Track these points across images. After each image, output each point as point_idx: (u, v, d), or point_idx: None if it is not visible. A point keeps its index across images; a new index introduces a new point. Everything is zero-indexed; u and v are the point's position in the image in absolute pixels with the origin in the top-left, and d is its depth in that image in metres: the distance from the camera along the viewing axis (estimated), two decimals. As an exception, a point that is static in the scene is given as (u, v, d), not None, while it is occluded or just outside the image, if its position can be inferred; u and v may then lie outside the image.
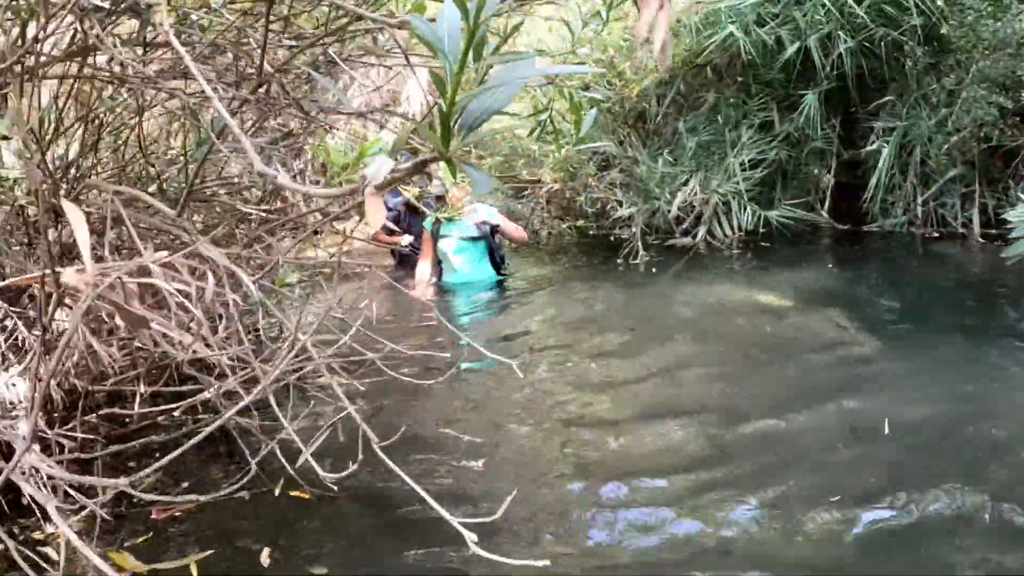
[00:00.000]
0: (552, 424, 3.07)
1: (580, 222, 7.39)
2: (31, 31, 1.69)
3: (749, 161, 6.48)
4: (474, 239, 5.37)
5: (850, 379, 3.33)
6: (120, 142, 2.86)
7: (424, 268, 5.50)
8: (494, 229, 5.43)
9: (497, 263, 5.51)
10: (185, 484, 2.55)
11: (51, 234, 2.21)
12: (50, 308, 1.46)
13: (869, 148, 6.26)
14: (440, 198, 5.51)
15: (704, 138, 6.78)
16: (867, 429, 2.79)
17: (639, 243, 6.22)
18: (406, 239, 6.48)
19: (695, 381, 3.47)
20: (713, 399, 3.24)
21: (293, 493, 2.38)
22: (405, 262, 6.32)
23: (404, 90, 6.30)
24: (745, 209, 6.39)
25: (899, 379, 3.29)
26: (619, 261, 6.13)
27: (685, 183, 6.65)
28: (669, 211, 6.36)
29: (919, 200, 6.14)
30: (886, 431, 2.74)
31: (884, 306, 4.52)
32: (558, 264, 6.56)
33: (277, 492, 2.33)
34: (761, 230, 6.34)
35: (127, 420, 2.64)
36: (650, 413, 3.12)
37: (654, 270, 5.85)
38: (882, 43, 5.97)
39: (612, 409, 3.21)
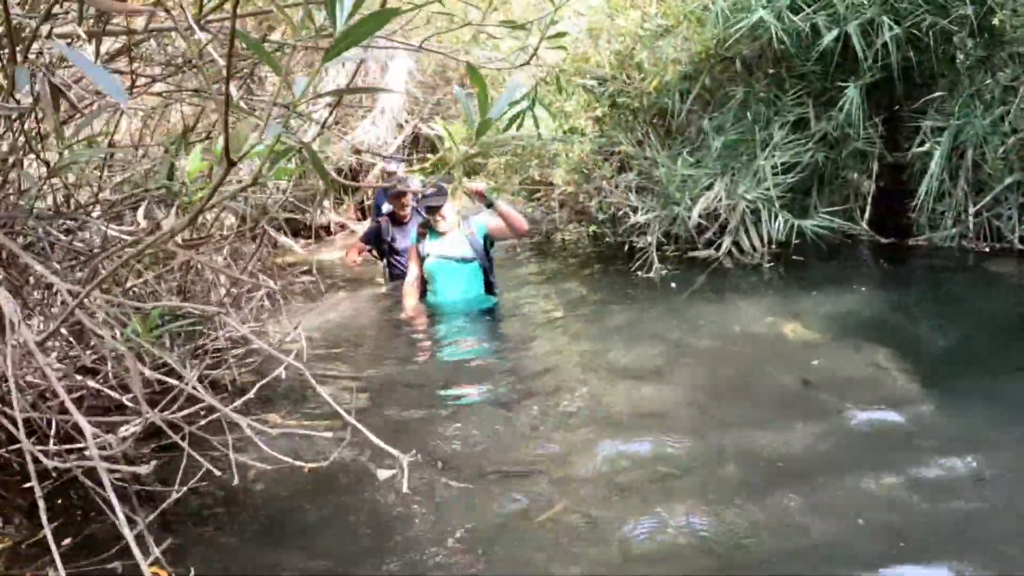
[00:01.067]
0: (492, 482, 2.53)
1: (594, 228, 6.82)
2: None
3: (781, 164, 5.84)
4: (466, 260, 4.77)
5: (894, 442, 2.74)
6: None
7: (408, 289, 4.91)
8: (489, 245, 4.85)
9: (491, 284, 4.92)
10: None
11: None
12: None
13: (917, 150, 5.58)
14: (432, 209, 4.92)
15: (731, 137, 6.15)
16: (912, 522, 2.21)
17: (654, 254, 5.63)
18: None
19: (693, 438, 2.89)
20: (720, 464, 2.67)
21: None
22: (398, 278, 5.79)
23: (382, 80, 5.77)
24: (776, 218, 5.76)
25: (953, 442, 2.68)
26: (633, 274, 5.55)
27: (709, 187, 6.04)
28: (689, 218, 5.74)
29: (971, 210, 5.46)
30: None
31: (932, 341, 3.90)
32: (564, 275, 6.00)
33: None
34: (794, 241, 5.69)
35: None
36: (637, 486, 2.57)
37: (672, 285, 5.25)
38: (930, 32, 5.29)
39: (591, 478, 2.66)
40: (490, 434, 3.09)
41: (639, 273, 5.53)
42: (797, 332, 4.03)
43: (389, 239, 6.12)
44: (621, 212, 6.19)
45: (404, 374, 4.03)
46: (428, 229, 4.82)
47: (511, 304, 5.10)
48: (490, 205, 4.57)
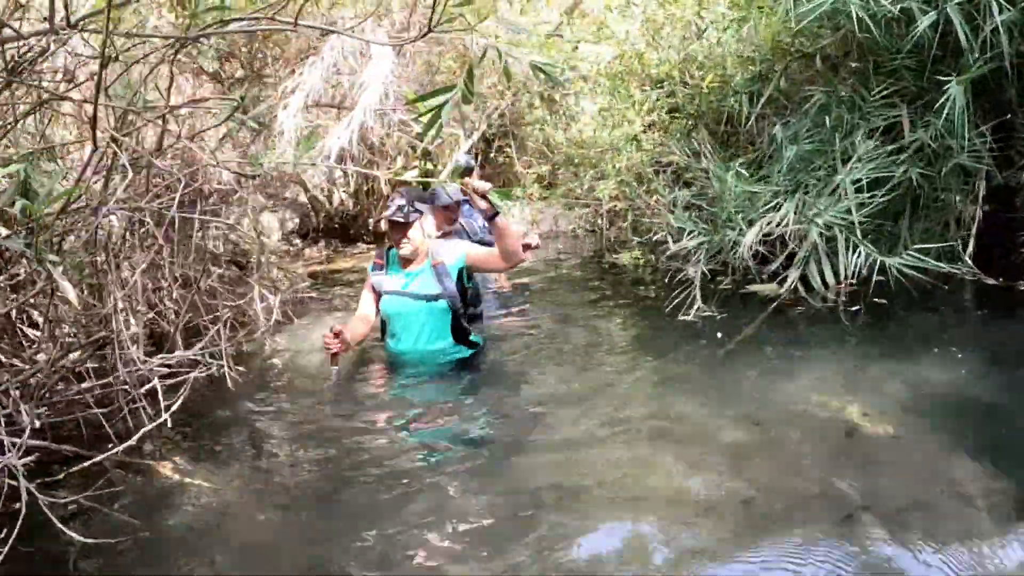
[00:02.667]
0: None
1: (636, 254, 5.86)
2: None
3: (865, 181, 4.74)
4: (432, 297, 3.79)
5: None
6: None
7: (353, 323, 3.89)
8: (467, 280, 3.92)
9: (464, 330, 3.91)
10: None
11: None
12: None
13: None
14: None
15: (805, 148, 5.08)
16: None
17: (698, 291, 4.64)
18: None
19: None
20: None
21: None
22: None
23: (360, 76, 5.04)
24: (856, 250, 4.65)
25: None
26: (669, 316, 4.59)
27: (776, 208, 4.99)
28: (741, 244, 4.70)
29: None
30: None
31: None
32: (577, 312, 5.04)
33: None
34: (876, 278, 4.56)
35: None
36: None
37: (718, 334, 4.21)
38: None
39: None
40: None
41: (679, 315, 4.56)
42: (858, 418, 3.01)
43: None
44: (661, 235, 5.22)
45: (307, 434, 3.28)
46: (387, 256, 3.94)
47: (495, 353, 4.18)
48: (494, 217, 3.50)
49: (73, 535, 2.05)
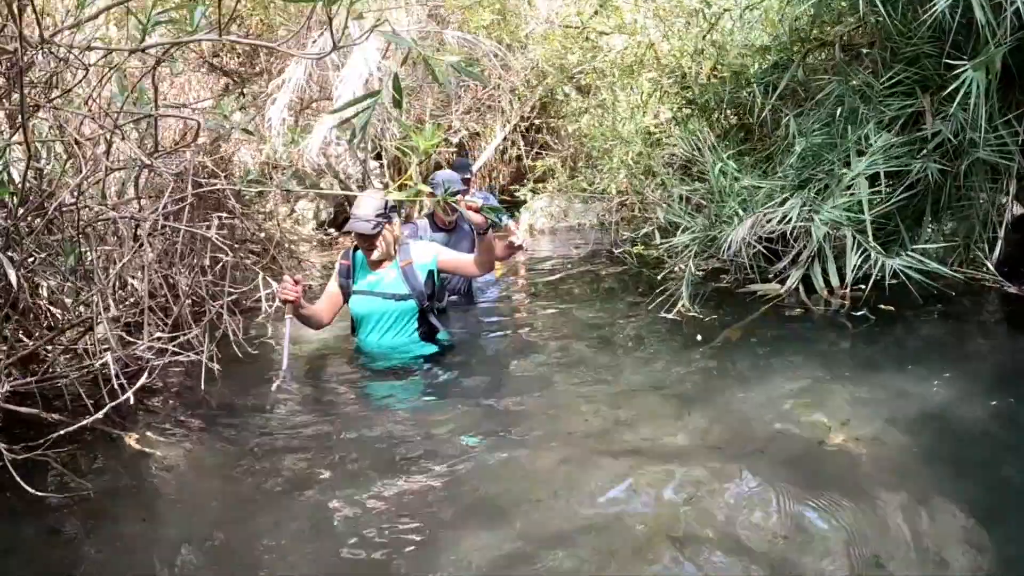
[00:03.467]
0: None
1: (640, 247, 5.55)
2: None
3: (878, 176, 4.34)
4: (401, 297, 3.69)
5: None
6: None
7: (317, 309, 3.76)
8: (436, 282, 3.86)
9: (431, 329, 3.82)
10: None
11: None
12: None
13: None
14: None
15: (816, 140, 4.70)
16: None
17: (685, 288, 4.32)
18: None
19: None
20: None
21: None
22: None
23: (339, 75, 4.92)
24: (864, 250, 4.24)
25: None
26: (652, 311, 4.29)
27: (783, 203, 4.62)
28: (731, 241, 4.34)
29: None
30: None
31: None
32: (554, 310, 4.79)
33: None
34: (890, 281, 4.14)
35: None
36: None
37: (697, 336, 3.88)
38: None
39: None
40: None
41: (660, 313, 4.26)
42: (859, 440, 2.65)
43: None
44: (648, 229, 4.92)
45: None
46: (353, 258, 3.79)
47: (465, 347, 3.99)
48: (487, 231, 3.52)
49: (26, 487, 2.20)
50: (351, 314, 3.82)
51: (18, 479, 2.20)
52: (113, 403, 2.51)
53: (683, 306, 4.20)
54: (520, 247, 4.21)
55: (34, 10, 2.33)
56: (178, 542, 2.24)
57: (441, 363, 3.74)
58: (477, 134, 10.07)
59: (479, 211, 3.43)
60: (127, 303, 3.56)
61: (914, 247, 4.10)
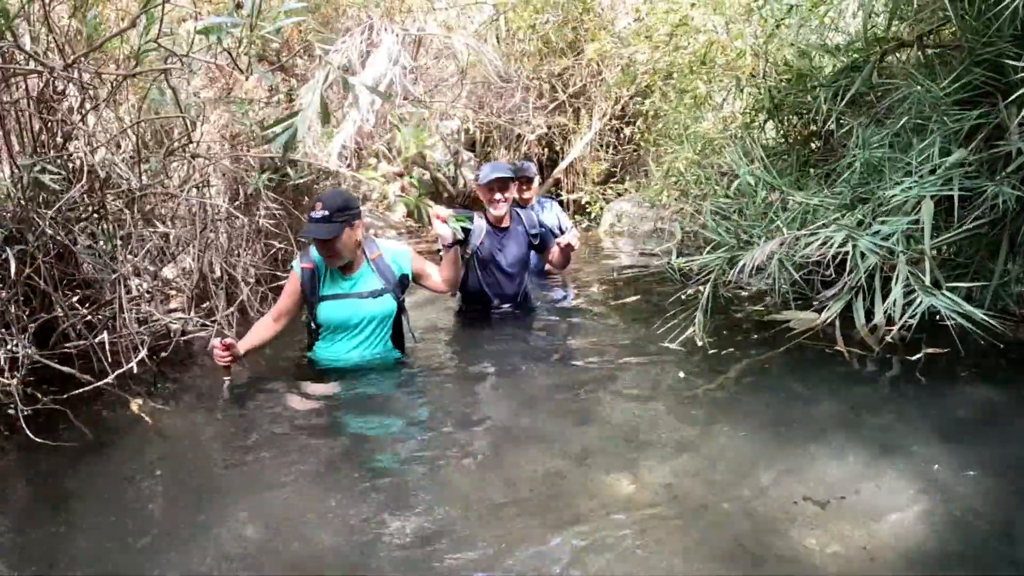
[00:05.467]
0: None
1: (680, 260, 5.08)
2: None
3: (943, 199, 3.73)
4: (377, 292, 3.46)
5: None
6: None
7: (258, 330, 3.54)
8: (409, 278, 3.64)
9: (401, 332, 3.64)
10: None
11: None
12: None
13: None
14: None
15: (875, 153, 4.11)
16: None
17: (700, 314, 3.88)
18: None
19: None
20: None
21: None
22: (473, 301, 4.55)
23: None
24: (898, 280, 3.65)
25: None
26: (656, 338, 3.89)
27: (832, 223, 4.06)
28: (752, 265, 3.83)
29: None
30: None
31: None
32: (569, 317, 4.48)
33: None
34: (942, 322, 3.54)
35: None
36: None
37: (680, 375, 3.46)
38: None
39: None
40: None
41: (665, 342, 3.86)
42: (780, 506, 2.26)
43: (475, 244, 4.37)
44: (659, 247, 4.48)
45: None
46: (317, 261, 3.50)
47: (424, 357, 3.75)
48: (452, 245, 3.53)
49: (30, 434, 2.72)
50: (320, 322, 3.51)
51: (24, 426, 2.73)
52: (117, 372, 3.06)
53: (695, 333, 3.78)
54: (569, 246, 4.11)
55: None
56: (156, 498, 2.50)
57: (408, 366, 3.62)
58: (565, 133, 9.77)
59: (446, 221, 3.30)
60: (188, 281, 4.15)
61: (972, 284, 3.47)
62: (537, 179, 5.48)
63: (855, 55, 4.66)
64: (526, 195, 5.46)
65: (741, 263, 3.70)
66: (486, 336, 4.20)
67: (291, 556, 2.11)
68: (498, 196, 4.28)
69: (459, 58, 6.75)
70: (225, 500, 2.47)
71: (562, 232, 5.21)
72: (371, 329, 3.51)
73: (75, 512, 2.43)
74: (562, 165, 9.50)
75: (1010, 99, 3.57)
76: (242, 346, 3.39)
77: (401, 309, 3.60)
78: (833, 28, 4.65)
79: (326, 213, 3.24)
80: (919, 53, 4.24)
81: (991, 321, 3.21)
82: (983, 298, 3.86)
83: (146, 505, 2.47)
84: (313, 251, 3.45)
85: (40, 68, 3.03)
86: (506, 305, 4.46)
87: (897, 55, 4.54)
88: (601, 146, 9.04)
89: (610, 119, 8.90)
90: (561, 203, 8.83)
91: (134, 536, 2.25)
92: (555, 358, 3.83)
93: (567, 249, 4.40)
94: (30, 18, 3.17)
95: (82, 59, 3.09)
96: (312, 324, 3.55)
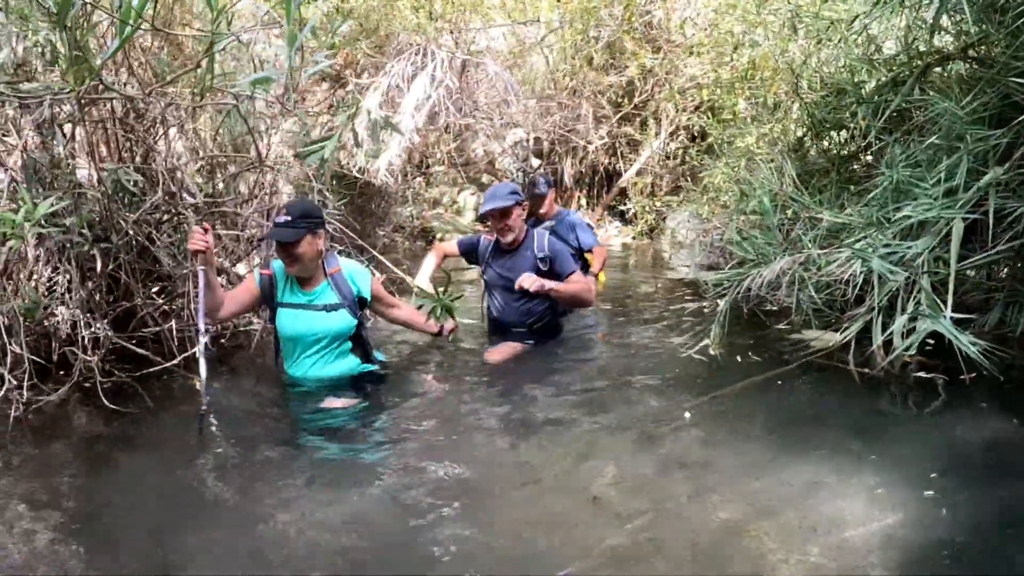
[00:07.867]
0: None
1: (712, 275, 5.16)
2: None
3: (963, 220, 3.72)
4: (332, 307, 3.46)
5: None
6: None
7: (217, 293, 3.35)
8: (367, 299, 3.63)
9: (365, 346, 3.67)
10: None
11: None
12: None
13: None
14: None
15: (904, 171, 4.11)
16: None
17: (716, 327, 4.00)
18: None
19: None
20: None
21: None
22: (496, 323, 4.54)
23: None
24: (916, 304, 3.65)
25: None
26: (673, 348, 4.03)
27: (856, 242, 4.10)
28: (761, 284, 3.92)
29: None
30: None
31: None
32: (594, 324, 4.61)
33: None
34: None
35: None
36: None
37: (693, 387, 3.57)
38: None
39: None
40: None
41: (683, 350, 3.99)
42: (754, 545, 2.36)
43: (483, 265, 4.40)
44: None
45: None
46: (275, 270, 3.52)
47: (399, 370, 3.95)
48: (439, 333, 4.12)
49: (106, 402, 3.37)
50: (279, 333, 3.54)
51: (101, 395, 3.36)
52: (183, 355, 3.75)
53: (709, 345, 3.92)
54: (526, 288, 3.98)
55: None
56: (205, 457, 2.98)
57: (381, 381, 3.76)
58: (633, 143, 9.88)
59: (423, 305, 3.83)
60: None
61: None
62: (551, 193, 5.24)
63: (898, 69, 4.63)
64: (542, 211, 5.25)
65: (750, 279, 3.81)
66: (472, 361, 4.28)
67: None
68: (498, 225, 4.17)
69: (510, 74, 7.00)
70: (266, 469, 2.90)
71: (580, 251, 5.06)
72: (328, 343, 3.51)
73: (134, 466, 2.96)
74: (627, 175, 9.62)
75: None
76: (213, 272, 3.28)
77: (361, 326, 3.60)
78: (873, 43, 4.63)
79: (289, 218, 3.26)
80: (964, 66, 4.19)
81: (979, 355, 3.18)
82: (1018, 322, 3.82)
83: (194, 462, 2.95)
84: (275, 262, 3.51)
85: (119, 95, 3.54)
86: (518, 330, 4.29)
87: (940, 69, 4.50)
88: (667, 157, 9.13)
89: (676, 129, 8.97)
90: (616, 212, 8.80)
91: (179, 491, 2.73)
92: (559, 366, 4.02)
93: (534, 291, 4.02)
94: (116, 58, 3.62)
95: (156, 90, 3.57)
96: (275, 336, 3.62)
